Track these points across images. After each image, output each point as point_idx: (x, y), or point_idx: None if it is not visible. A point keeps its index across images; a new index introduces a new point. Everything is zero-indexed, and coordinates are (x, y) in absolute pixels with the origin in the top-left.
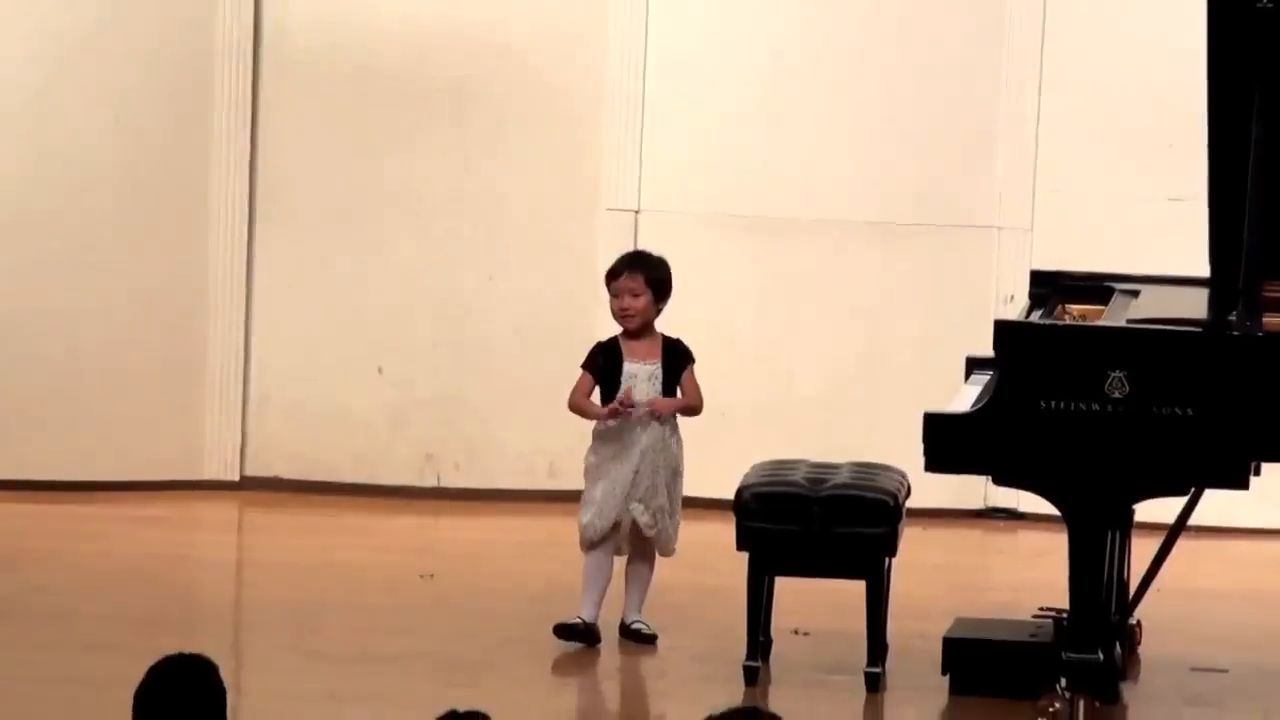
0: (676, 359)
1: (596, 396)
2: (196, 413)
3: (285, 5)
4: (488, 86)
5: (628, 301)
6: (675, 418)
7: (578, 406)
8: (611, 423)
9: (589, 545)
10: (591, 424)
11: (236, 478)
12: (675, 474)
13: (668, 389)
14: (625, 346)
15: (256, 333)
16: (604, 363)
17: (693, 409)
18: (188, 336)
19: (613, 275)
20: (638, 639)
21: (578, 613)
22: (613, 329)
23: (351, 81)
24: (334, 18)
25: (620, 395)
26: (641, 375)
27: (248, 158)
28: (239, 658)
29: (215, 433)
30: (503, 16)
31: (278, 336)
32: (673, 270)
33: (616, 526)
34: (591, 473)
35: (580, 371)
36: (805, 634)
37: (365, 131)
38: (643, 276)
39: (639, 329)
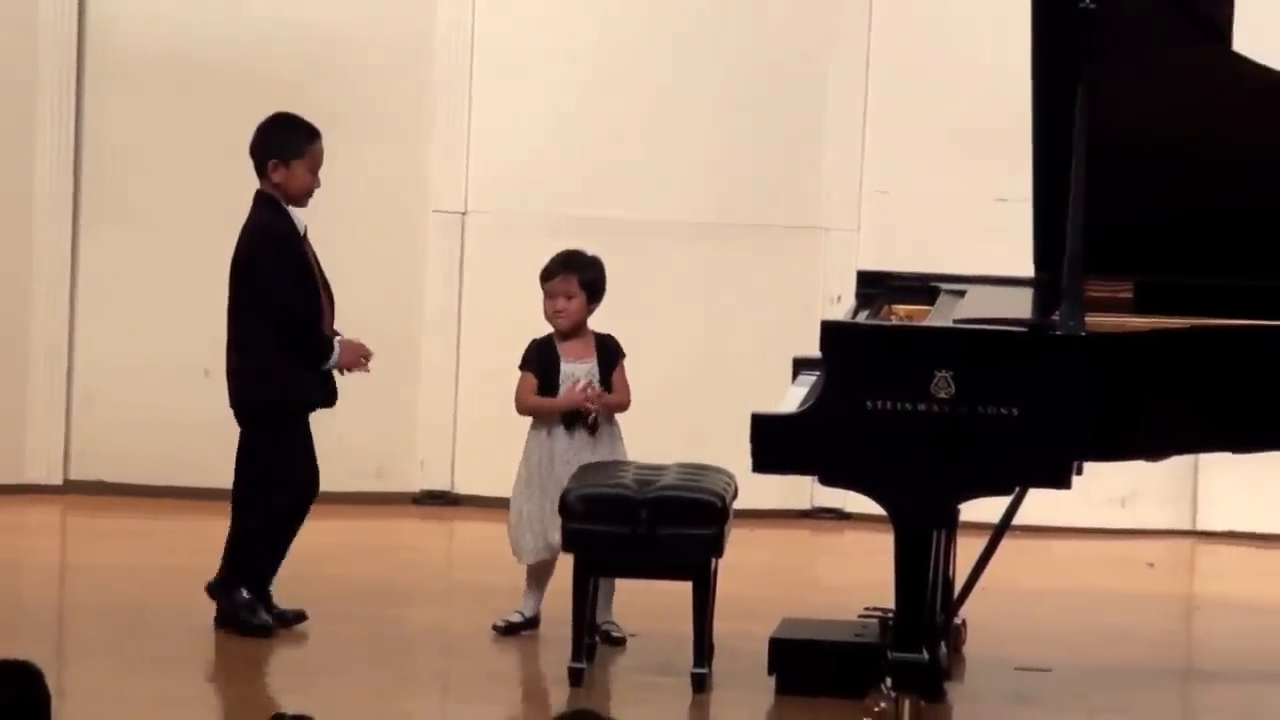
0: (610, 356)
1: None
2: (19, 415)
3: (111, 3)
4: (314, 89)
5: (562, 304)
6: (613, 417)
7: (532, 406)
8: (591, 407)
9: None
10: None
11: (60, 481)
12: None
13: (604, 386)
14: (560, 346)
15: (81, 334)
16: (541, 362)
17: (623, 405)
18: (10, 338)
19: (546, 276)
20: (606, 640)
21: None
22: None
23: (179, 81)
24: (161, 16)
25: (589, 389)
26: (580, 375)
27: (72, 157)
28: (62, 662)
29: (38, 435)
30: (330, 18)
31: (103, 338)
32: (500, 273)
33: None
34: (521, 486)
35: (520, 373)
36: (632, 635)
37: (193, 131)
38: (576, 279)
39: (572, 329)
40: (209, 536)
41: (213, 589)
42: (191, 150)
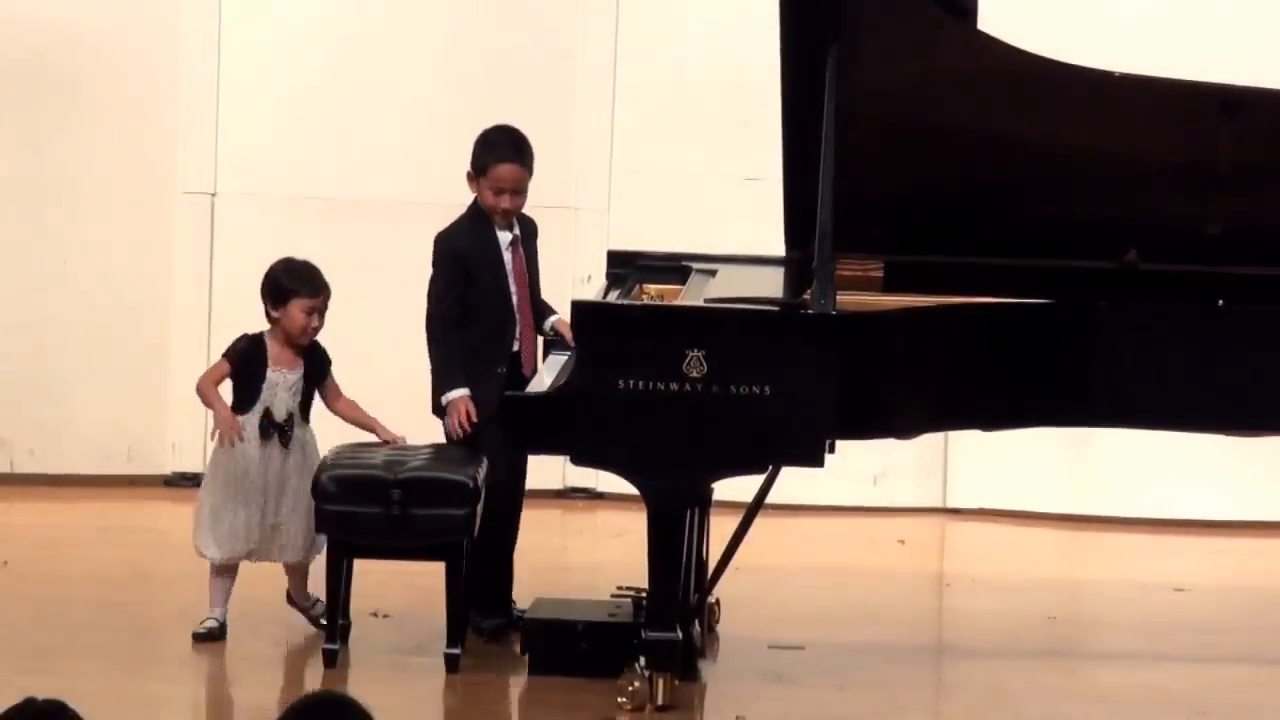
0: (320, 365)
1: (227, 388)
2: None
3: None
4: (60, 69)
5: (317, 322)
6: (308, 423)
7: (205, 394)
8: (223, 445)
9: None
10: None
11: None
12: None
13: (306, 397)
14: (271, 351)
15: None
16: (248, 361)
17: (357, 420)
18: None
19: (315, 291)
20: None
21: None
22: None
23: None
24: None
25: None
26: (282, 385)
27: None
28: None
29: None
30: None
31: None
32: (250, 254)
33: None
34: (212, 489)
35: (221, 358)
36: (385, 616)
37: None
38: (326, 295)
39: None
40: None
41: None
42: None
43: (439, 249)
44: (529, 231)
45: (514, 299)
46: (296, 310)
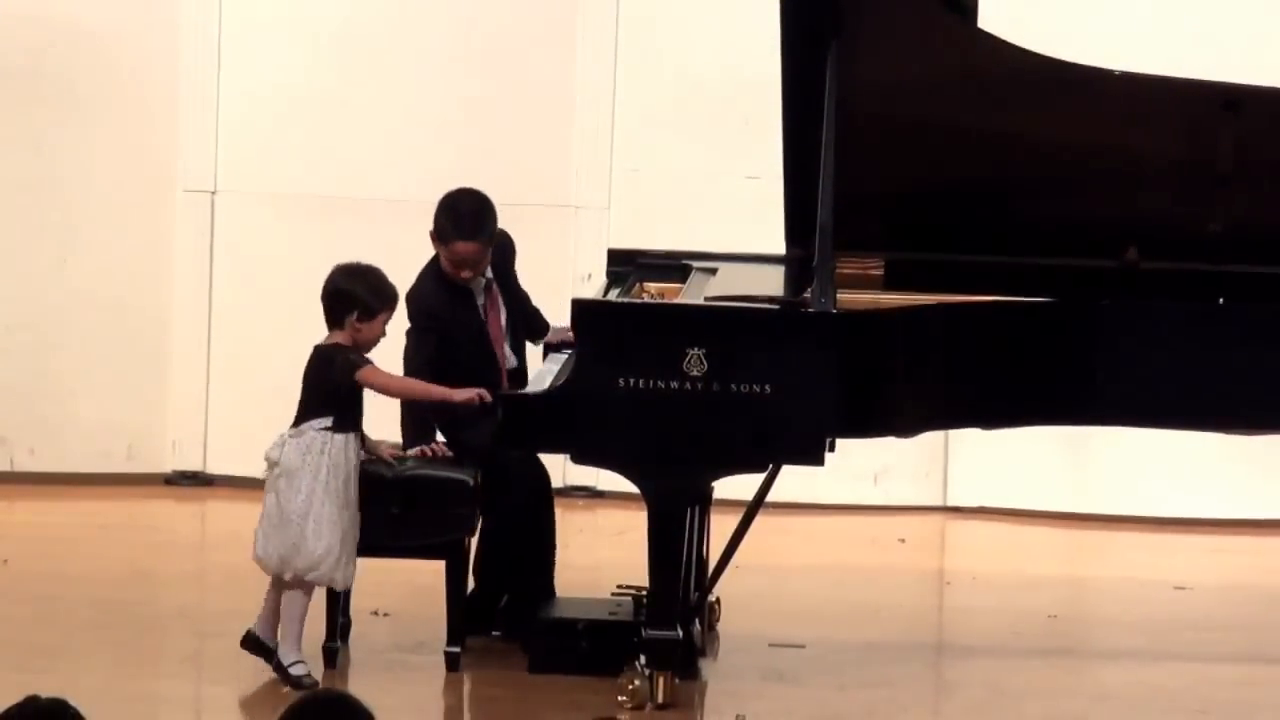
0: None
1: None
2: None
3: None
4: (59, 67)
5: (385, 331)
6: None
7: (410, 388)
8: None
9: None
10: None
11: None
12: None
13: None
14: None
15: None
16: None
17: None
18: None
19: (389, 304)
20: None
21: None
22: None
23: None
24: None
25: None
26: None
27: None
28: None
29: None
30: None
31: None
32: (251, 252)
33: None
34: (329, 501)
35: (366, 364)
36: (385, 615)
37: None
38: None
39: None
40: None
41: None
42: None
43: (411, 311)
44: (503, 248)
45: (494, 350)
46: (381, 324)
